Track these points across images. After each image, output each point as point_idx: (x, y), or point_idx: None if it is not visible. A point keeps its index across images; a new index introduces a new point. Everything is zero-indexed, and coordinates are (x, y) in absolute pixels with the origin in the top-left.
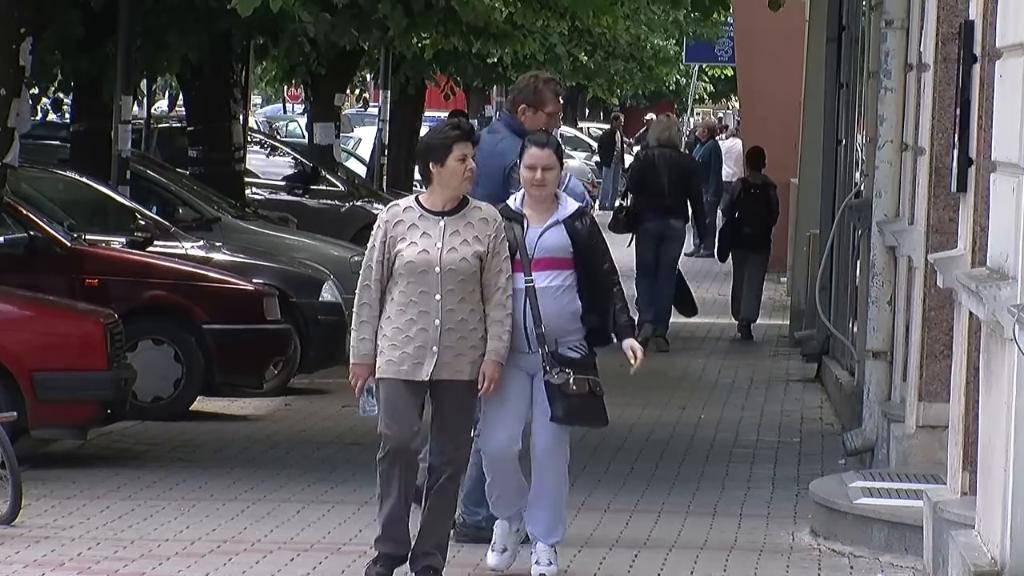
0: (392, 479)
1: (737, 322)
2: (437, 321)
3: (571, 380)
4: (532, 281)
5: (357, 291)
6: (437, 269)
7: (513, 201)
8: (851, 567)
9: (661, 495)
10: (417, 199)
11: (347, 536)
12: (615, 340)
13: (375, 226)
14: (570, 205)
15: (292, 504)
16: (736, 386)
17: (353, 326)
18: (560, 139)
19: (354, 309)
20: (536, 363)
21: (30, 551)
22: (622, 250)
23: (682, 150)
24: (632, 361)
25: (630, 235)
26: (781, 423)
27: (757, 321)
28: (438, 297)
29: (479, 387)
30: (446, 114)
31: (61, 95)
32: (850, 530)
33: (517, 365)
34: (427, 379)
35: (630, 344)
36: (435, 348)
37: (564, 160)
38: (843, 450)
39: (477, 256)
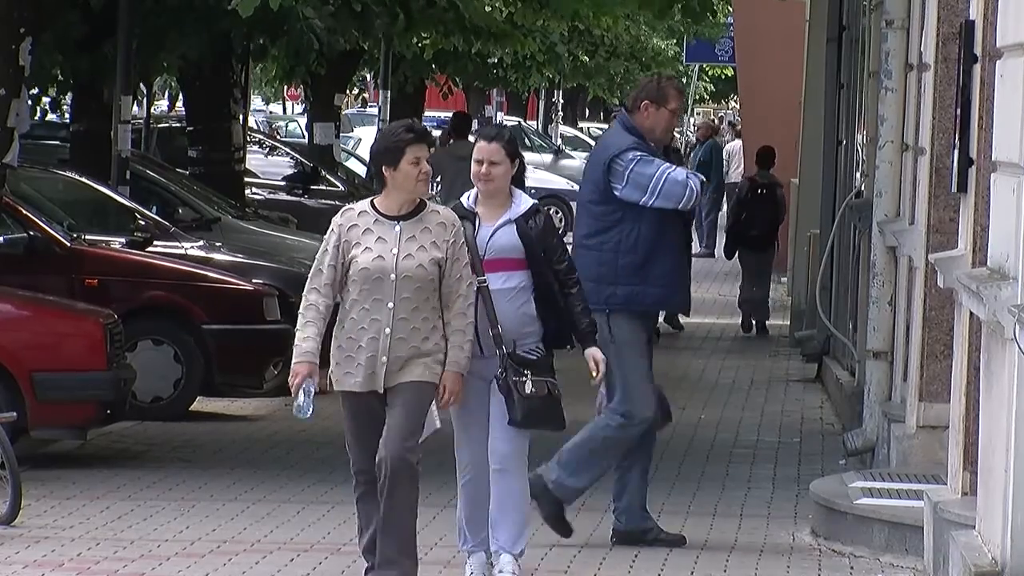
0: (372, 500)
1: (742, 318)
2: (388, 329)
3: (529, 382)
4: (485, 282)
5: (304, 293)
6: (392, 276)
7: (467, 198)
8: (851, 567)
9: (661, 495)
10: (372, 203)
11: (347, 536)
12: (576, 344)
13: (329, 230)
14: (524, 203)
15: (292, 504)
16: (736, 386)
17: (297, 326)
18: (561, 139)
19: (300, 310)
20: (492, 367)
21: (30, 551)
22: None
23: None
24: (593, 373)
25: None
26: (781, 423)
27: (769, 320)
28: (391, 305)
29: (440, 398)
30: (448, 114)
31: (59, 95)
32: (850, 530)
33: (473, 371)
34: (382, 391)
35: (592, 354)
36: (384, 358)
37: (520, 157)
38: (843, 450)
39: (435, 263)
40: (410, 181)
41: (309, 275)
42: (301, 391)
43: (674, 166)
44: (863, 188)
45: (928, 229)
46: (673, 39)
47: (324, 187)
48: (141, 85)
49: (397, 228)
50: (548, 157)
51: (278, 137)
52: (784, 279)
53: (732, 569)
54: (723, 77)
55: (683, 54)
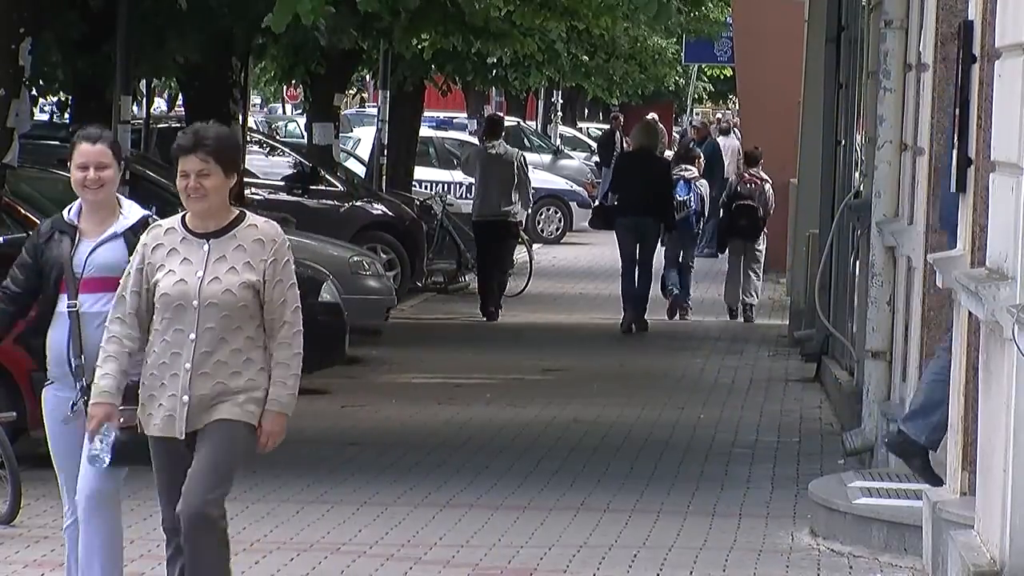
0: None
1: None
2: (188, 364)
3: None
4: (77, 305)
5: (107, 323)
6: (195, 303)
7: (68, 212)
8: (850, 567)
9: (660, 495)
10: (183, 219)
11: (347, 536)
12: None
13: (135, 251)
14: (134, 214)
15: (291, 504)
16: (735, 386)
17: (98, 362)
18: (560, 139)
19: (102, 343)
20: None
21: (30, 551)
22: (601, 248)
23: (661, 154)
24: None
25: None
26: (780, 423)
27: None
28: (192, 336)
29: (259, 440)
30: (447, 114)
31: (63, 96)
32: (850, 530)
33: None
34: (182, 437)
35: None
36: (185, 397)
37: (123, 159)
38: (842, 450)
39: (247, 286)
40: (182, 194)
41: (113, 303)
42: (97, 437)
43: None
44: (862, 188)
45: (927, 229)
46: (673, 39)
47: (324, 187)
48: (141, 84)
49: (205, 247)
50: (547, 157)
51: (277, 137)
52: (784, 279)
53: (731, 569)
54: (722, 77)
55: (682, 54)
